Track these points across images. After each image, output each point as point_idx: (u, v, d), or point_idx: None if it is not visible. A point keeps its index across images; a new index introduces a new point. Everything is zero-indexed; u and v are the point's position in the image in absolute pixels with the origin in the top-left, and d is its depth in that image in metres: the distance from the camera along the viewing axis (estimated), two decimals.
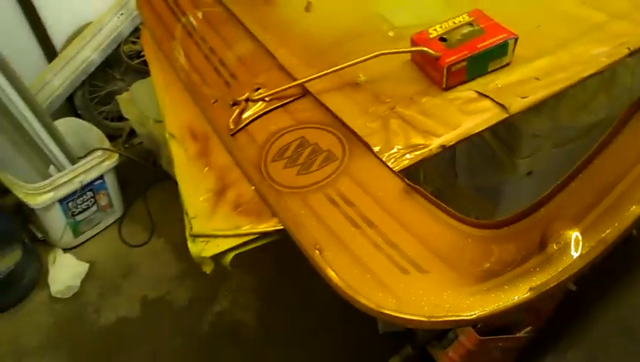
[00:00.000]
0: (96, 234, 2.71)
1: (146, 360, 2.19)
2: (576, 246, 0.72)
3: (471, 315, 0.75)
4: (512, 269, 0.75)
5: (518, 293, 0.74)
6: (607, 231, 0.70)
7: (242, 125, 1.20)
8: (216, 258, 1.03)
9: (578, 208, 0.75)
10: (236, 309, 2.32)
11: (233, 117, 1.21)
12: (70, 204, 2.48)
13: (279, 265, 2.39)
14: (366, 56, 1.17)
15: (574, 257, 0.72)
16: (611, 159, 0.76)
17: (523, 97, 1.08)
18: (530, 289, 0.73)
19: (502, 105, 1.07)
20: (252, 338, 2.23)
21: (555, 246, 0.74)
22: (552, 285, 0.72)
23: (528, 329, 1.54)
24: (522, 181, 1.47)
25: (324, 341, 2.17)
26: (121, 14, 2.74)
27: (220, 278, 2.43)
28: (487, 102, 1.09)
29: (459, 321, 0.76)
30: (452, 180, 1.66)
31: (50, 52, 2.76)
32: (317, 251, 0.91)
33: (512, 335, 1.50)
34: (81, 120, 2.76)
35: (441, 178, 1.71)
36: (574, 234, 0.73)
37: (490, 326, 1.43)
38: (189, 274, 2.46)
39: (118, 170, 2.63)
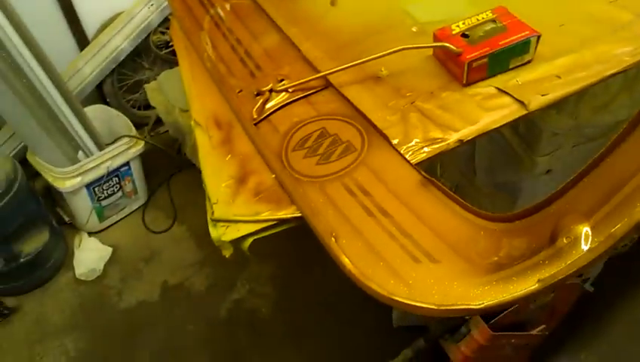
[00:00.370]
0: (120, 220, 2.78)
1: (164, 343, 2.25)
2: (586, 240, 0.74)
3: (479, 304, 0.77)
4: (521, 262, 0.77)
5: (526, 285, 0.75)
6: (617, 227, 0.71)
7: (265, 115, 1.23)
8: (236, 242, 1.06)
9: (589, 204, 0.76)
10: (253, 297, 2.37)
11: (257, 106, 1.24)
12: (96, 189, 2.55)
13: (297, 256, 2.43)
14: (388, 51, 1.19)
15: (584, 251, 0.73)
16: (623, 157, 0.77)
17: (543, 95, 1.09)
18: (539, 281, 0.74)
19: (521, 102, 1.08)
20: (267, 326, 2.27)
21: (565, 241, 0.75)
22: (560, 278, 0.73)
23: (542, 327, 1.54)
24: (541, 179, 1.47)
25: (338, 332, 2.20)
26: (152, 5, 2.80)
27: (239, 267, 2.47)
28: (506, 99, 1.11)
29: (467, 310, 0.78)
30: (471, 177, 1.66)
31: (82, 40, 2.84)
32: (333, 238, 0.94)
33: (525, 332, 1.50)
34: (109, 107, 2.83)
35: (460, 174, 1.72)
36: (585, 229, 0.74)
37: (503, 322, 1.43)
38: (209, 262, 2.51)
39: (144, 158, 2.70)
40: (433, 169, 1.82)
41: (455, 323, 1.44)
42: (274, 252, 2.46)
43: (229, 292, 2.39)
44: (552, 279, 0.74)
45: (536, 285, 0.75)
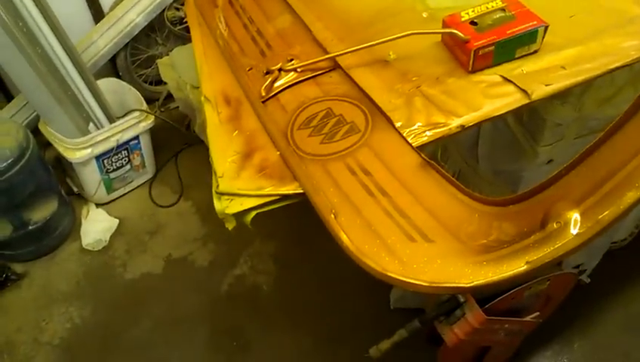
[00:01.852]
0: (127, 193, 2.82)
1: (166, 313, 2.30)
2: (574, 225, 0.76)
3: (469, 283, 0.80)
4: (510, 245, 0.80)
5: (515, 266, 0.78)
6: (605, 214, 0.74)
7: (273, 93, 1.26)
8: (239, 216, 1.10)
9: (581, 191, 0.79)
10: (254, 274, 2.41)
11: (265, 85, 1.27)
12: (106, 161, 2.59)
13: (299, 236, 2.46)
14: (397, 35, 1.21)
15: (572, 236, 0.76)
16: (615, 148, 0.79)
17: (547, 85, 1.10)
18: (527, 263, 0.77)
19: (524, 91, 1.10)
20: (267, 302, 2.31)
21: (555, 225, 0.78)
22: (547, 260, 0.76)
23: (536, 314, 1.56)
24: (542, 169, 1.49)
25: (337, 311, 2.24)
26: None
27: (241, 244, 2.51)
28: (510, 87, 1.12)
29: (458, 288, 0.81)
30: (473, 164, 1.68)
31: (98, 13, 2.85)
32: (332, 215, 0.97)
33: (519, 318, 1.53)
34: (121, 81, 2.85)
35: (463, 160, 1.74)
36: (574, 215, 0.77)
37: (498, 308, 1.46)
38: (213, 238, 2.55)
39: (153, 133, 2.73)
40: (434, 154, 1.84)
41: (451, 306, 1.47)
42: (276, 230, 2.49)
43: (231, 268, 2.43)
44: (540, 261, 0.77)
45: (525, 266, 0.77)
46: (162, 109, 3.17)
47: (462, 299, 1.34)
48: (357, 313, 2.22)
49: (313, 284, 2.34)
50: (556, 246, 0.76)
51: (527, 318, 1.55)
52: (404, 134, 1.07)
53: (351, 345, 2.08)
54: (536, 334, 1.68)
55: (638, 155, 0.75)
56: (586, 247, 0.76)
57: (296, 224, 2.40)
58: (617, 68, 1.13)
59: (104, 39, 2.77)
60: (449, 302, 1.38)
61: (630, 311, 2.15)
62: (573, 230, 0.76)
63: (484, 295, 1.33)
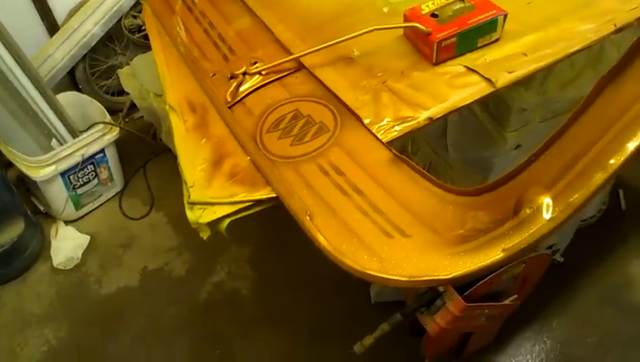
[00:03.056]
0: (97, 207, 2.77)
1: (146, 326, 2.26)
2: (547, 210, 0.77)
3: (448, 275, 0.81)
4: (485, 234, 0.81)
5: (492, 255, 0.79)
6: (575, 196, 0.75)
7: (239, 98, 1.24)
8: (213, 224, 1.08)
9: (551, 176, 0.80)
10: (232, 279, 2.39)
11: (230, 90, 1.25)
12: (72, 177, 2.53)
13: (275, 238, 2.45)
14: (359, 32, 1.21)
15: (545, 220, 0.77)
16: (582, 130, 0.81)
17: (510, 72, 1.12)
18: (503, 250, 0.78)
19: (489, 80, 1.11)
20: (248, 307, 2.30)
21: (527, 211, 0.79)
22: (523, 246, 0.77)
23: (514, 297, 1.59)
24: (511, 154, 1.51)
25: (319, 310, 2.24)
26: None
27: (217, 251, 2.49)
28: (474, 77, 1.13)
29: (437, 280, 0.82)
30: (444, 154, 1.70)
31: (52, 26, 2.77)
32: (308, 217, 0.96)
33: (498, 302, 1.55)
34: (82, 94, 2.79)
35: (433, 152, 1.75)
36: (546, 200, 0.78)
37: (477, 294, 1.48)
38: (187, 247, 2.52)
39: (119, 144, 2.68)
40: (404, 147, 1.86)
41: (430, 296, 1.48)
42: (251, 235, 2.48)
43: (208, 276, 2.41)
44: (516, 248, 0.78)
45: (501, 254, 0.78)
46: (127, 120, 3.11)
47: (441, 289, 1.36)
48: (338, 310, 2.22)
49: (292, 285, 2.34)
50: (530, 231, 0.77)
51: (506, 302, 1.58)
52: (374, 130, 1.07)
53: (335, 343, 2.08)
54: (516, 316, 1.71)
55: (604, 137, 0.76)
56: None
57: (271, 227, 2.39)
58: (576, 51, 1.15)
59: (61, 52, 2.71)
60: (429, 293, 1.40)
61: (603, 286, 2.21)
62: (546, 214, 0.77)
63: (463, 283, 1.35)
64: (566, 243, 2.15)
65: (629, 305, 2.15)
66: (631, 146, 0.73)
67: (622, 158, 0.73)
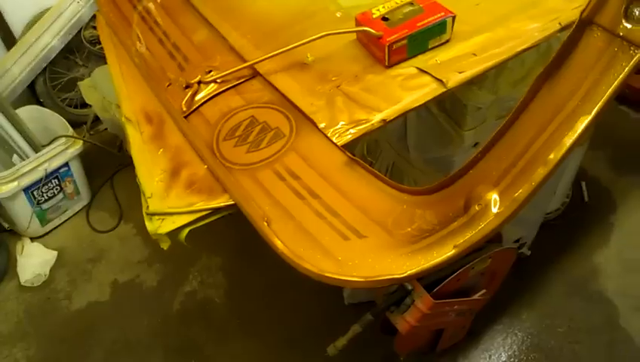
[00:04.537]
0: (64, 222, 2.72)
1: (119, 340, 2.23)
2: (494, 206, 0.79)
3: (403, 273, 0.82)
4: (434, 232, 0.82)
5: (444, 252, 0.81)
6: (520, 192, 0.77)
7: (195, 107, 1.24)
8: (173, 234, 1.08)
9: (497, 173, 0.82)
10: (205, 288, 2.38)
11: (186, 99, 1.25)
12: (35, 192, 2.48)
13: (245, 245, 2.44)
14: (312, 37, 1.22)
15: (493, 216, 0.79)
16: (523, 128, 0.83)
17: (460, 72, 1.14)
18: (455, 246, 0.80)
19: (440, 80, 1.12)
20: (221, 315, 2.29)
21: (477, 208, 0.81)
22: (473, 242, 0.79)
23: (483, 292, 1.61)
24: (469, 152, 1.54)
25: (292, 316, 2.24)
26: None
27: (188, 260, 2.47)
28: (426, 78, 1.15)
29: (392, 279, 0.83)
30: (405, 155, 1.72)
31: (9, 39, 2.73)
32: (265, 223, 0.97)
33: (467, 298, 1.58)
34: (43, 107, 2.74)
35: (395, 153, 1.77)
36: (493, 196, 0.80)
37: (446, 290, 1.50)
38: (158, 258, 2.50)
39: (84, 157, 2.64)
40: (362, 149, 1.88)
41: (400, 295, 1.50)
42: (221, 243, 2.47)
43: (180, 286, 2.39)
44: (467, 244, 0.80)
45: (453, 251, 0.80)
46: (91, 132, 3.07)
47: (409, 287, 1.37)
48: (311, 313, 2.23)
49: (266, 292, 2.34)
50: (480, 227, 0.79)
51: (475, 297, 1.60)
52: (329, 134, 1.08)
53: (311, 346, 2.08)
54: (486, 311, 1.74)
55: (543, 133, 0.79)
56: (522, 221, 0.80)
57: (240, 233, 2.38)
58: (524, 50, 1.18)
59: (19, 66, 2.66)
60: (398, 292, 1.41)
61: (570, 277, 2.26)
62: (494, 210, 0.79)
63: (431, 280, 1.36)
64: (532, 237, 2.19)
65: (595, 294, 2.20)
66: (568, 141, 0.76)
67: (560, 153, 0.76)
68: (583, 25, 0.81)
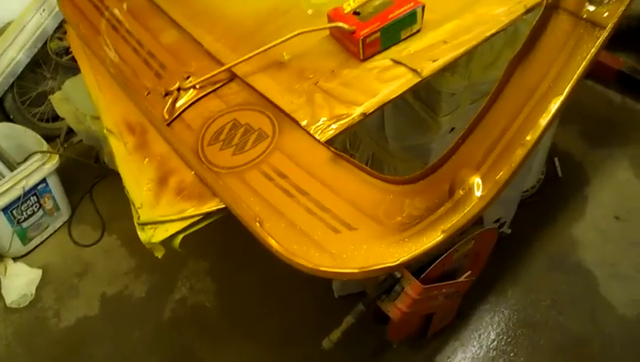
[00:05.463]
0: (46, 239, 2.69)
1: (111, 354, 2.22)
2: (477, 189, 0.83)
3: (395, 261, 0.85)
4: (423, 220, 0.85)
5: (433, 237, 0.84)
6: (501, 174, 0.81)
7: (176, 114, 1.25)
8: (166, 242, 1.09)
9: (478, 156, 0.85)
10: (195, 294, 2.38)
11: (167, 107, 1.25)
12: (14, 211, 2.45)
13: (232, 247, 2.45)
14: (286, 37, 1.23)
15: (477, 199, 0.82)
16: (500, 111, 0.87)
17: (434, 60, 1.16)
18: (443, 231, 0.83)
19: (415, 70, 1.15)
20: (213, 319, 2.30)
21: (461, 192, 0.84)
22: (460, 225, 0.82)
23: (468, 273, 1.66)
24: (446, 138, 1.58)
25: (284, 313, 2.26)
26: (43, 10, 2.67)
27: (176, 267, 2.47)
28: (401, 69, 1.17)
29: (386, 268, 0.86)
30: (384, 145, 1.75)
31: None
32: (257, 223, 0.98)
33: (454, 281, 1.62)
34: (14, 124, 2.70)
35: (374, 143, 1.80)
36: (476, 180, 0.84)
37: (433, 275, 1.54)
38: (144, 267, 2.49)
39: (61, 171, 2.61)
40: (345, 144, 1.90)
41: (389, 283, 1.53)
42: (207, 247, 2.47)
43: (170, 294, 2.39)
44: (455, 228, 0.83)
45: (442, 235, 0.83)
46: (65, 145, 3.03)
47: (398, 275, 1.41)
48: (303, 309, 2.25)
49: (254, 291, 2.35)
50: (465, 211, 0.82)
51: (461, 279, 1.65)
52: (311, 131, 1.10)
53: (306, 341, 2.11)
54: (473, 292, 1.79)
55: (519, 115, 0.82)
56: (501, 201, 0.83)
57: (225, 236, 2.39)
58: (492, 35, 1.21)
59: None
60: (387, 281, 1.44)
61: (550, 252, 2.33)
62: (477, 193, 0.83)
63: (417, 266, 1.40)
64: (511, 216, 2.25)
65: (575, 265, 2.27)
66: (543, 122, 0.79)
67: (537, 133, 0.80)
68: (550, 10, 0.84)
